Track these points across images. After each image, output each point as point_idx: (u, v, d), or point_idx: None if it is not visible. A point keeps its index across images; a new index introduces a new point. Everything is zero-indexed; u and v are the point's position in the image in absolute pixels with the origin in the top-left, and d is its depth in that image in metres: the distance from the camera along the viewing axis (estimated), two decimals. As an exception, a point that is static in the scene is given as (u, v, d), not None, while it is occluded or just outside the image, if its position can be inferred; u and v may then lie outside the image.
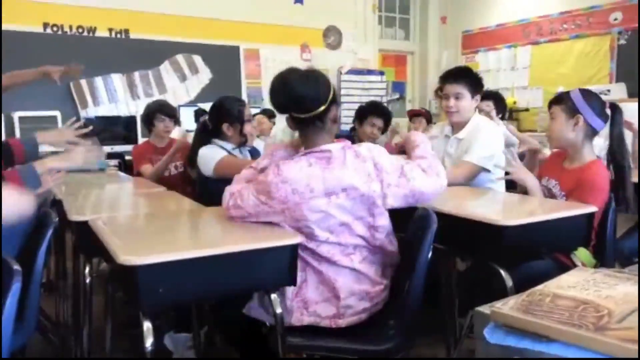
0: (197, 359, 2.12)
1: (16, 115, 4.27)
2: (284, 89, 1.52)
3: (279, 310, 1.45)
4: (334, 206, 1.48)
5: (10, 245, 1.64)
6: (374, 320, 1.59)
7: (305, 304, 1.55)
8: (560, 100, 2.02)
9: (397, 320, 1.56)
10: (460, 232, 1.71)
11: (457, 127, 2.47)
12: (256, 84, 5.83)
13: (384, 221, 1.58)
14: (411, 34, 7.20)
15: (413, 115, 4.44)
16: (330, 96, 1.54)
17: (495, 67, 6.44)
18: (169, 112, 3.20)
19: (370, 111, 3.29)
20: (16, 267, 1.13)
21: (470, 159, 2.31)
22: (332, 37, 6.34)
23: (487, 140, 2.34)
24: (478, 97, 2.44)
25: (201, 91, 5.44)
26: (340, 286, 1.54)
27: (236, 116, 2.45)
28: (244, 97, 5.57)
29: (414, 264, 1.53)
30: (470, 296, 2.13)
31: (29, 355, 1.84)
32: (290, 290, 1.54)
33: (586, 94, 1.99)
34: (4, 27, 4.38)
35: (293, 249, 1.46)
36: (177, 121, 3.30)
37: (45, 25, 4.69)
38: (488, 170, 2.33)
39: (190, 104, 5.15)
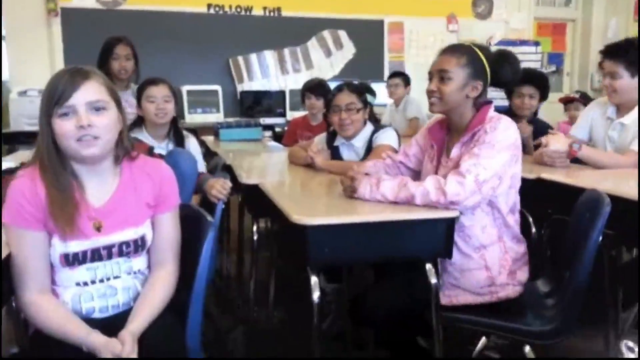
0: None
1: (184, 89, 4.78)
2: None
3: (433, 281, 1.48)
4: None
5: (186, 193, 1.85)
6: (531, 300, 1.54)
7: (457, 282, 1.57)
8: None
9: (557, 303, 1.49)
10: (634, 217, 1.56)
11: (621, 109, 2.22)
12: (399, 58, 5.77)
13: None
14: (573, 0, 6.52)
15: (567, 102, 4.01)
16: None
17: (677, 35, 5.57)
18: (315, 91, 3.30)
19: None
20: (210, 219, 1.30)
21: (635, 148, 2.08)
22: (482, 5, 6.00)
23: None
24: None
25: (345, 66, 5.54)
26: (492, 265, 1.54)
27: (328, 105, 2.26)
28: (386, 72, 5.56)
29: (580, 248, 1.44)
30: (636, 290, 1.94)
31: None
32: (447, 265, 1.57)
33: None
34: (171, 9, 4.89)
35: (450, 222, 1.48)
36: (326, 99, 3.38)
37: (209, 6, 5.13)
38: None
39: (335, 79, 5.28)
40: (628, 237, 1.77)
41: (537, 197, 1.87)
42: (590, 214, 1.45)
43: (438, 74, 1.57)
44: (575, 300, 1.44)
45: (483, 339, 1.60)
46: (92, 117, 1.14)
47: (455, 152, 1.58)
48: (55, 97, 1.13)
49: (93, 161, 1.19)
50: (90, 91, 1.15)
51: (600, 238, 1.42)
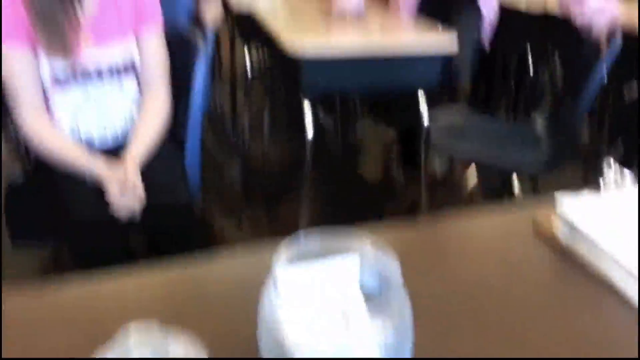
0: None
1: None
2: None
3: (424, 110, 1.50)
4: None
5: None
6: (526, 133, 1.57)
7: None
8: None
9: (551, 137, 1.53)
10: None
11: None
12: None
13: None
14: None
15: None
16: None
17: None
18: None
19: None
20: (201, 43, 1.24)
21: None
22: None
23: None
24: None
25: None
26: None
27: None
28: None
29: (582, 83, 1.43)
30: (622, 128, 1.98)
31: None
32: None
33: None
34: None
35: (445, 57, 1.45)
36: None
37: None
38: None
39: None
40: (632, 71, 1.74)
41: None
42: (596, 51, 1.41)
43: None
44: (570, 136, 1.48)
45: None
46: None
47: None
48: None
49: None
50: None
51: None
